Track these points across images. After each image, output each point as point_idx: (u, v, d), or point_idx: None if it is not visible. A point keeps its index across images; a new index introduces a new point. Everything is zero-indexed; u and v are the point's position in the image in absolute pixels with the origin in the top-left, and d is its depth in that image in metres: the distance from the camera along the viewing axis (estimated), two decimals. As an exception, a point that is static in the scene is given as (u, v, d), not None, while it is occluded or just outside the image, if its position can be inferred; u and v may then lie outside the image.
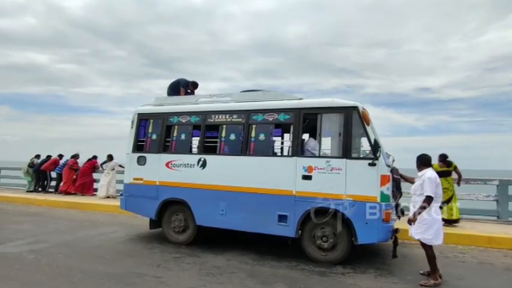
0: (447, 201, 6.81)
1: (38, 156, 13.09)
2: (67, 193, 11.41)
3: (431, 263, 4.10)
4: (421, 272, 4.32)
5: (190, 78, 6.96)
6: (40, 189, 12.49)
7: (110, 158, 11.30)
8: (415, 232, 4.12)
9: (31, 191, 12.37)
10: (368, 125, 4.71)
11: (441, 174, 6.93)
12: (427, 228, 4.03)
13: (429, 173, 4.14)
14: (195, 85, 6.96)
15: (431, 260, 4.10)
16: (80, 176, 11.62)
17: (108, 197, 10.64)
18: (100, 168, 11.59)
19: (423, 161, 4.30)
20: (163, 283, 4.00)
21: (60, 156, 12.67)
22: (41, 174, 12.53)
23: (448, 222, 6.73)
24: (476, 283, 4.29)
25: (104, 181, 10.87)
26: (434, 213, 4.04)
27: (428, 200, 4.00)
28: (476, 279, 4.42)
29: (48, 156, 12.85)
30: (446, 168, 7.07)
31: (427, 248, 4.11)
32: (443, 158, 7.13)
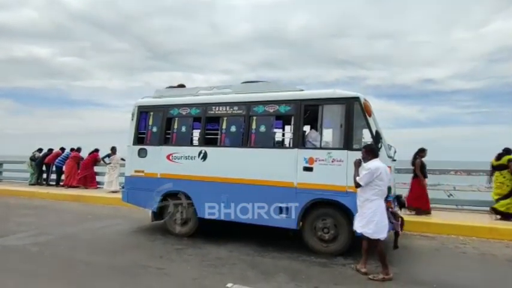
0: (507, 195, 6.64)
1: (40, 150, 13.13)
2: (70, 186, 11.47)
3: (380, 258, 3.95)
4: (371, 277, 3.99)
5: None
6: (44, 182, 12.57)
7: (113, 150, 11.17)
8: (357, 226, 4.04)
9: (33, 184, 12.44)
10: (370, 116, 4.68)
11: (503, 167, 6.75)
12: (366, 223, 3.93)
13: (372, 163, 3.98)
14: (182, 87, 6.88)
15: (380, 255, 3.95)
16: (81, 169, 11.65)
17: (117, 191, 10.57)
18: (101, 162, 11.57)
19: (371, 151, 4.12)
20: (166, 274, 4.03)
21: (62, 149, 12.70)
22: (45, 167, 12.58)
23: (506, 216, 6.56)
24: (478, 274, 4.30)
25: (112, 176, 10.71)
26: (375, 206, 3.92)
27: (356, 185, 3.98)
28: (477, 270, 4.43)
29: (50, 150, 12.90)
30: None
31: (373, 242, 3.96)
32: (507, 150, 6.83)
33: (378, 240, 3.92)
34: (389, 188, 4.56)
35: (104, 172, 11.36)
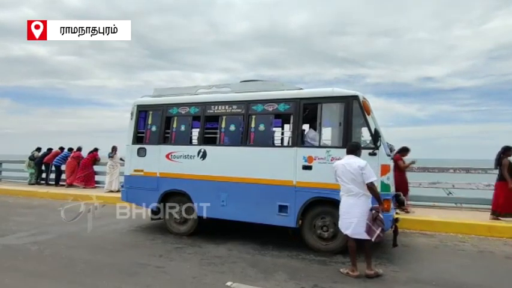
0: None
1: (38, 149, 13.12)
2: (71, 185, 11.46)
3: (349, 253, 4.06)
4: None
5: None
6: (43, 182, 12.55)
7: (115, 150, 11.01)
8: None
9: (33, 184, 12.44)
10: (369, 114, 4.68)
11: None
12: (339, 217, 4.14)
13: (339, 160, 4.18)
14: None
15: (349, 250, 4.06)
16: (81, 168, 11.65)
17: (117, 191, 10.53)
18: (108, 160, 11.44)
19: (347, 148, 4.23)
20: (165, 273, 4.04)
21: (61, 148, 12.69)
22: (44, 166, 12.57)
23: None
24: (477, 271, 4.31)
25: (113, 176, 10.66)
26: (341, 202, 4.05)
27: None
28: (476, 268, 4.44)
29: (49, 149, 12.89)
30: None
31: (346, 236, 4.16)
32: None
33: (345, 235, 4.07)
34: (387, 186, 4.57)
35: (104, 172, 11.34)
